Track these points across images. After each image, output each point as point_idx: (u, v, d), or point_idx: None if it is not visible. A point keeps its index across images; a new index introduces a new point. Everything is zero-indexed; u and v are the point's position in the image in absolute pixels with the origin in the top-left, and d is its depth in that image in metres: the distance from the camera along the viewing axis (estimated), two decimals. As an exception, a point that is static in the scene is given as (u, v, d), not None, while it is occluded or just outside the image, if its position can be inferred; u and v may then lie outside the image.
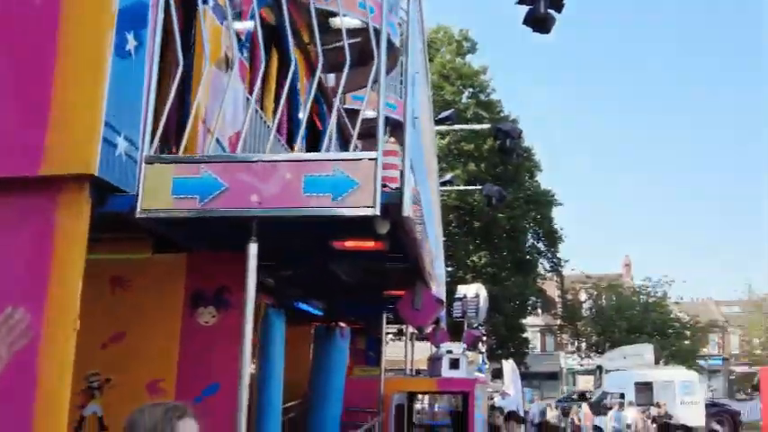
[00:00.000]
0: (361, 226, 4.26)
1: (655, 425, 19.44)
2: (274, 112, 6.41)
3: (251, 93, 5.60)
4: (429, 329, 11.00)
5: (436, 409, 12.32)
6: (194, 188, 4.06)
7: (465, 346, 8.94)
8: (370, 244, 4.80)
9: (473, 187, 18.57)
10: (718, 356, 52.04)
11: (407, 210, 4.10)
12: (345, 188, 3.98)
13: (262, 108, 6.78)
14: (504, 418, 9.97)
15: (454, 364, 7.86)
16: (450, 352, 8.06)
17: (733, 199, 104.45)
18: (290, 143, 7.35)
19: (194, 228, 4.51)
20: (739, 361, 51.49)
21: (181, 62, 4.51)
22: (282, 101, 5.39)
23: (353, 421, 7.61)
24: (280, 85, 6.80)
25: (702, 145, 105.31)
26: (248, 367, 4.30)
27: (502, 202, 16.61)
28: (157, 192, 4.09)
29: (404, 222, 4.25)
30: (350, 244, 4.90)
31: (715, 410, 27.20)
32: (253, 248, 4.21)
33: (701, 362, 37.66)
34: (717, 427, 15.59)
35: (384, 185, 4.07)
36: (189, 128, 4.62)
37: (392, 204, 4.05)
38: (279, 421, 5.66)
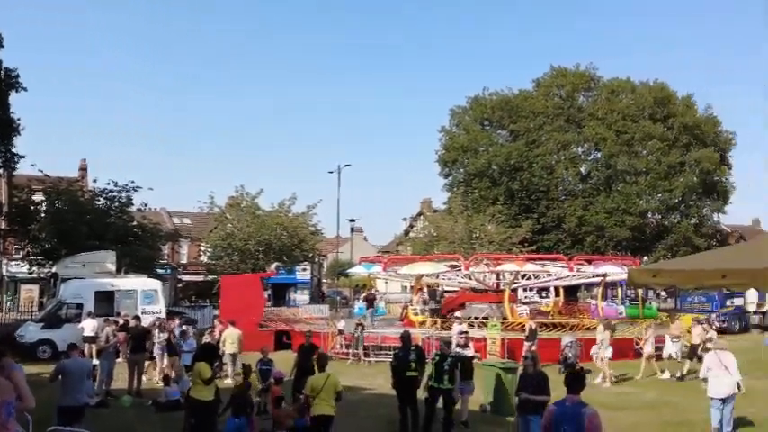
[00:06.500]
0: None
1: (125, 333, 18.18)
2: None
3: None
4: None
5: None
6: None
7: None
8: None
9: None
10: (169, 265, 53.52)
11: None
12: None
13: None
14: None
15: None
16: None
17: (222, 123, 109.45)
18: None
19: None
20: (187, 270, 54.03)
21: None
22: None
23: None
24: None
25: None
26: None
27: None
28: None
29: None
30: None
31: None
32: None
33: (160, 270, 37.57)
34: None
35: None
36: None
37: None
38: None
